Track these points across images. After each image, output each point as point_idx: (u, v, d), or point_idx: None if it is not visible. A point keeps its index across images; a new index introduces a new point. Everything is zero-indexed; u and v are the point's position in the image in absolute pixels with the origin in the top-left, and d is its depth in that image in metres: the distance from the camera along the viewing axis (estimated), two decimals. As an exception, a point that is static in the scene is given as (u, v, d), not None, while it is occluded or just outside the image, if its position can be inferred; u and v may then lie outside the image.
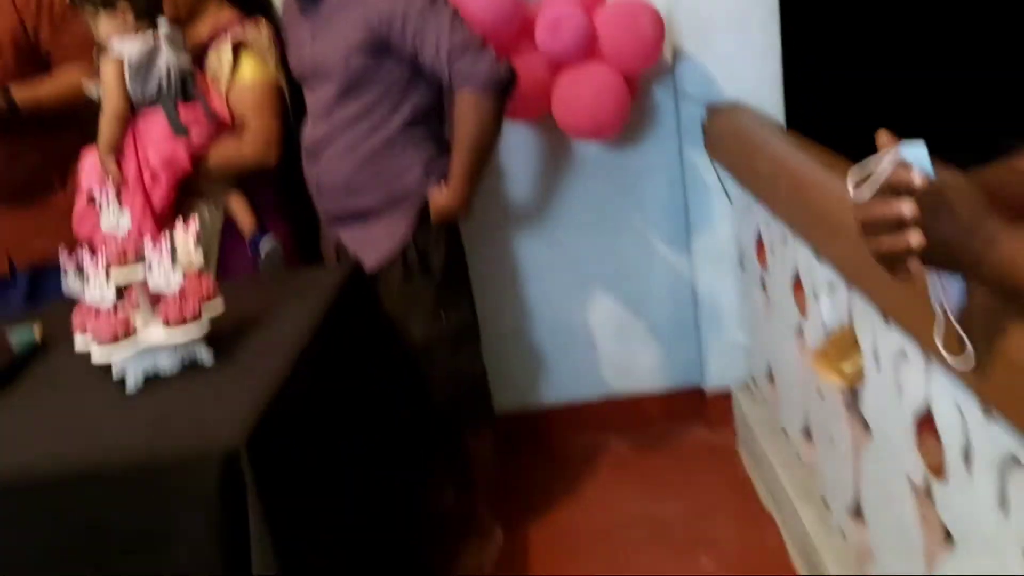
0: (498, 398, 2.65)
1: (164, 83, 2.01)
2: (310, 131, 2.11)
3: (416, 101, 2.05)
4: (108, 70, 1.99)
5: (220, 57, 2.09)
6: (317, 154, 2.10)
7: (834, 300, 1.66)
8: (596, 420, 2.79)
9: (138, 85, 1.99)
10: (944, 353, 0.97)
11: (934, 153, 0.89)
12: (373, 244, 2.10)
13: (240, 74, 2.11)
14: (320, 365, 1.62)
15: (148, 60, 1.98)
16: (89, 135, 2.09)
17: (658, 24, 2.32)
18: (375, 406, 1.86)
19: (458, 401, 2.20)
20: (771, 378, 2.35)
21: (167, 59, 2.00)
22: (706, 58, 2.47)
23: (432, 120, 2.11)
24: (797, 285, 1.95)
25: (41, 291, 2.22)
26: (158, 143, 2.03)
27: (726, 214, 2.55)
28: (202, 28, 2.13)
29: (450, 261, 2.14)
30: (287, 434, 1.43)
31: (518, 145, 2.56)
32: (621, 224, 2.67)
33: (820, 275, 1.75)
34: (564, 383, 2.79)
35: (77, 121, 2.14)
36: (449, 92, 2.07)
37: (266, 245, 2.12)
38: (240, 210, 2.14)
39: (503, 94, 2.02)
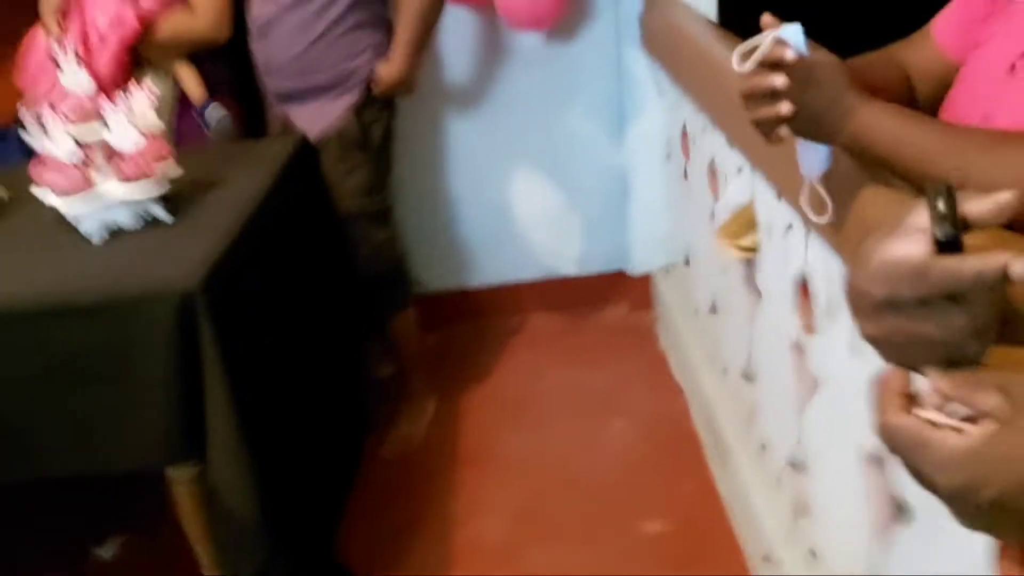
0: (431, 278, 2.81)
1: None
2: (257, 9, 2.17)
3: None
4: None
5: None
6: (266, 33, 2.16)
7: (739, 182, 1.84)
8: (526, 301, 2.99)
9: None
10: (808, 211, 1.15)
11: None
12: (318, 117, 2.19)
13: None
14: (268, 226, 1.75)
15: None
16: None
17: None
18: (315, 271, 2.01)
19: (381, 278, 2.36)
20: (687, 262, 2.55)
21: None
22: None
23: (379, 2, 2.19)
24: (712, 173, 2.12)
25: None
26: (105, 4, 2.07)
27: (657, 107, 2.70)
28: None
29: (386, 140, 2.26)
30: (239, 281, 1.58)
31: (458, 28, 2.64)
32: (557, 113, 2.80)
33: (731, 161, 1.92)
34: (496, 265, 2.97)
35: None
36: None
37: (215, 114, 2.19)
38: (189, 81, 2.21)
39: None
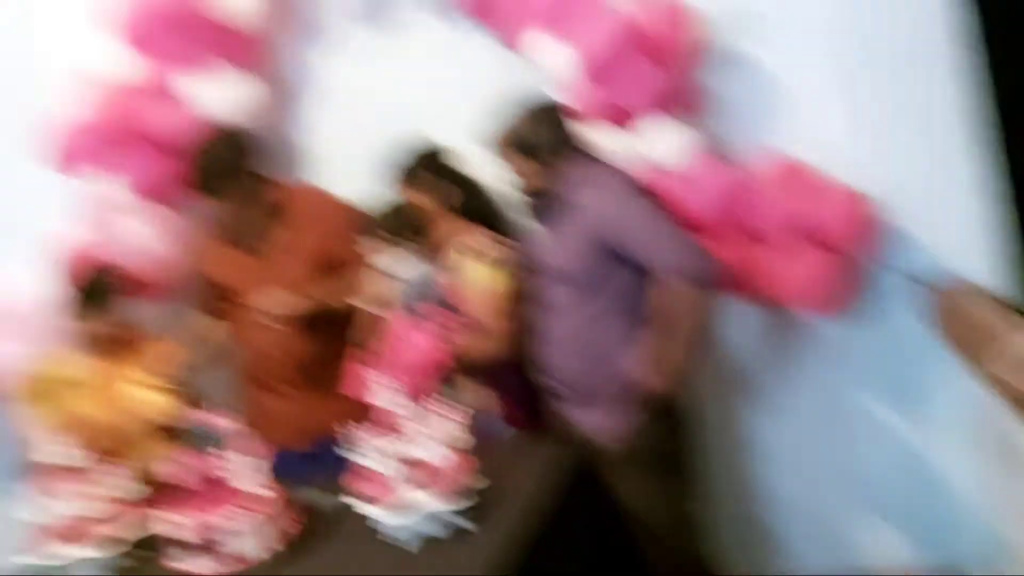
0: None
1: (428, 292, 2.42)
2: (539, 318, 2.40)
3: (635, 289, 2.28)
4: (382, 283, 2.44)
5: (456, 261, 2.47)
6: (544, 339, 2.39)
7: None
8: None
9: (410, 296, 2.42)
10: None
11: None
12: (596, 424, 2.32)
13: (473, 277, 2.44)
14: (557, 532, 1.88)
15: (419, 282, 2.42)
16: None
17: (876, 210, 2.48)
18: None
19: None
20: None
21: (424, 273, 2.43)
22: (930, 236, 2.55)
23: (639, 302, 2.28)
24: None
25: (333, 460, 2.65)
26: (421, 347, 2.36)
27: (961, 395, 2.54)
28: (438, 235, 2.53)
29: (672, 441, 2.33)
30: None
31: (745, 320, 2.71)
32: (854, 400, 2.72)
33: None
34: (793, 559, 2.81)
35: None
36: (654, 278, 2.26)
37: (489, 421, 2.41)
38: (476, 392, 2.46)
39: (706, 282, 2.22)
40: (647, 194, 2.30)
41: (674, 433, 2.34)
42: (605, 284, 2.31)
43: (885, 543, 2.75)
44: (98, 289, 2.54)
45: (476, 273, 2.45)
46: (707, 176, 2.49)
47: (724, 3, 2.61)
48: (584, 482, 2.15)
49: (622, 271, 2.29)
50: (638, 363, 2.28)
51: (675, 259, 2.20)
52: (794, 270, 2.48)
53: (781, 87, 2.64)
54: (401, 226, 2.47)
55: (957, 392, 2.55)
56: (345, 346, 2.63)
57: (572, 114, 2.50)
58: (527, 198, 2.39)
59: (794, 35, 2.59)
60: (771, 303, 2.58)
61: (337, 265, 2.70)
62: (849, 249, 2.50)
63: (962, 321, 2.34)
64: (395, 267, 2.42)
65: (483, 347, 2.44)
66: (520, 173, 2.35)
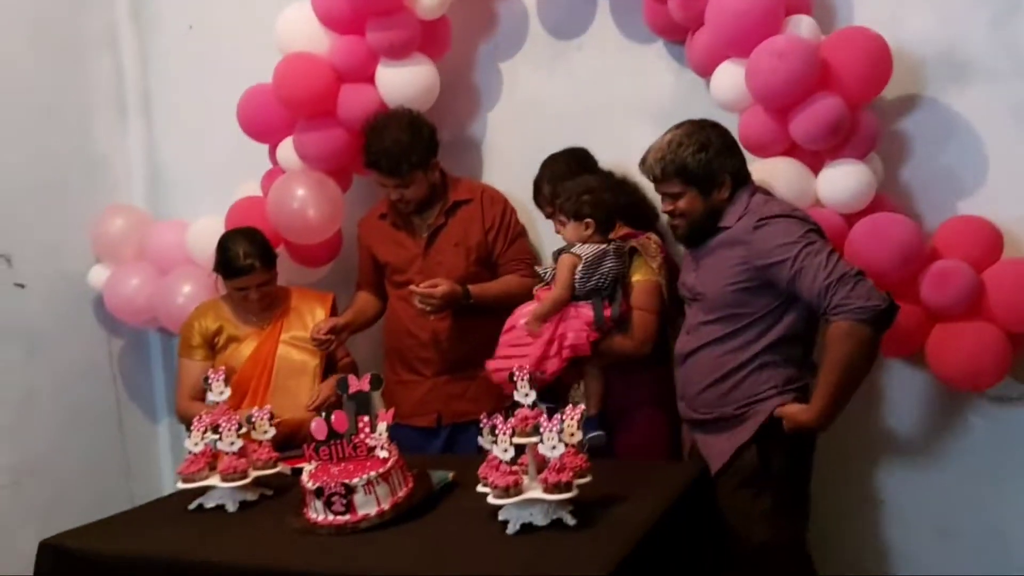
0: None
1: (602, 283, 2.45)
2: (681, 340, 2.41)
3: (784, 327, 2.23)
4: (565, 262, 2.47)
5: (625, 257, 2.52)
6: (683, 362, 2.38)
7: None
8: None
9: (584, 280, 2.45)
10: None
11: None
12: (720, 451, 2.28)
13: (631, 274, 2.52)
14: (659, 546, 1.85)
15: (597, 262, 2.45)
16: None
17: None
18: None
19: None
20: None
21: (610, 266, 2.46)
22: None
23: (797, 344, 2.27)
24: None
25: (456, 443, 2.76)
26: (577, 329, 2.44)
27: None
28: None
29: (794, 472, 2.25)
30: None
31: (901, 380, 2.62)
32: (993, 478, 2.56)
33: None
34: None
35: (508, 316, 2.67)
36: (824, 319, 2.19)
37: (594, 438, 2.39)
38: (594, 393, 2.50)
39: (879, 325, 2.11)
40: (816, 233, 2.21)
41: (795, 458, 2.26)
42: (753, 317, 2.25)
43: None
44: (257, 244, 2.71)
45: (640, 271, 2.51)
46: (885, 227, 2.38)
47: (938, 46, 2.52)
48: (696, 504, 2.10)
49: (775, 306, 2.23)
50: (779, 397, 2.23)
51: (845, 298, 2.08)
52: (959, 341, 2.36)
53: (981, 147, 2.53)
54: (606, 225, 2.50)
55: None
56: (490, 338, 2.73)
57: (746, 145, 2.49)
58: (678, 222, 2.34)
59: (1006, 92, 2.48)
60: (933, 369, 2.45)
61: (499, 263, 2.82)
62: (1018, 328, 2.34)
63: None
64: (591, 255, 2.44)
65: (629, 344, 2.47)
66: (679, 199, 2.30)
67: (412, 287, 2.66)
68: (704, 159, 2.26)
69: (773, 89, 2.37)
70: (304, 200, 2.87)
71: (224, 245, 2.72)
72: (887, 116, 2.58)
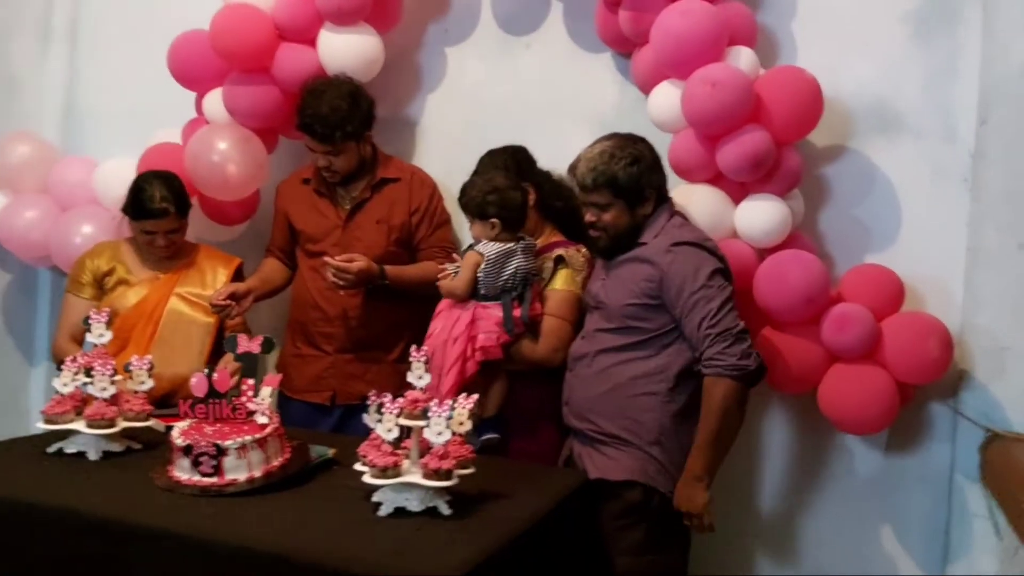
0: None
1: (510, 283, 2.41)
2: (575, 344, 2.38)
3: (678, 352, 2.22)
4: (468, 260, 2.43)
5: (543, 265, 2.51)
6: (573, 367, 2.36)
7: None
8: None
9: (490, 279, 2.41)
10: None
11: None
12: (604, 466, 2.23)
13: (553, 282, 2.49)
14: (531, 547, 1.82)
15: (502, 261, 2.41)
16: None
17: (946, 347, 2.36)
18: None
19: None
20: None
21: (517, 264, 2.42)
22: (995, 383, 2.43)
23: (689, 380, 2.23)
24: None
25: (348, 425, 2.66)
26: (487, 331, 2.39)
27: (991, 550, 2.40)
28: (528, 226, 2.56)
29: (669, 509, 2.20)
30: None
31: (783, 420, 2.65)
32: (873, 532, 2.60)
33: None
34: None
35: (422, 301, 2.62)
36: (698, 366, 2.19)
37: (489, 439, 2.38)
38: (496, 394, 2.45)
39: (747, 385, 2.15)
40: (722, 274, 2.21)
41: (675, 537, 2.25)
42: (649, 335, 2.24)
43: None
44: (173, 190, 2.60)
45: (561, 281, 2.48)
46: (792, 265, 2.41)
47: (872, 99, 2.58)
48: (575, 513, 2.08)
49: (670, 327, 2.23)
50: (663, 425, 2.21)
51: (719, 353, 2.12)
52: (847, 384, 2.39)
53: (897, 202, 2.59)
54: (513, 224, 2.46)
55: (988, 550, 2.40)
56: (402, 324, 2.68)
57: (675, 167, 2.50)
58: (599, 234, 2.32)
59: (934, 154, 2.54)
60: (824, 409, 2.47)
61: (419, 247, 2.77)
62: (909, 379, 2.39)
63: (1009, 466, 2.22)
64: (495, 254, 2.40)
65: (540, 349, 2.43)
66: (605, 211, 2.28)
67: (327, 259, 2.58)
68: (635, 173, 2.26)
69: (705, 116, 2.38)
70: (225, 155, 2.77)
71: (139, 185, 2.61)
72: (814, 159, 2.62)
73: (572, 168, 2.34)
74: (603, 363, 2.29)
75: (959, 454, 2.49)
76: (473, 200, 2.43)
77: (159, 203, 2.56)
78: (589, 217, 2.33)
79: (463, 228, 2.90)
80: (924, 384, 2.44)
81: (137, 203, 2.58)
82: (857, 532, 2.61)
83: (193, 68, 2.84)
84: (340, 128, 2.61)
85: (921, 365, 2.37)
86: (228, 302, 2.59)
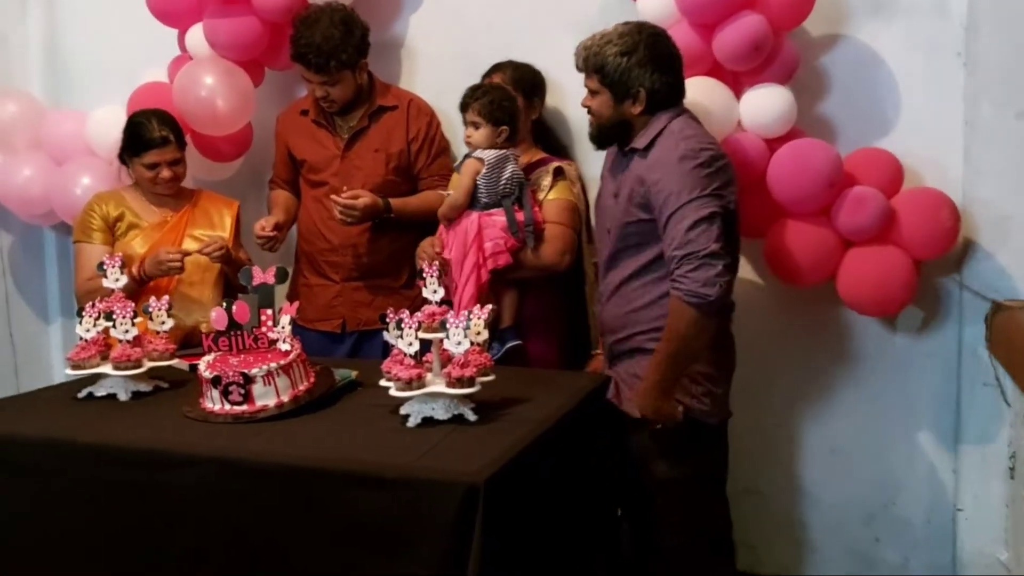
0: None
1: (508, 188, 2.45)
2: (601, 276, 2.37)
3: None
4: (468, 167, 2.45)
5: (542, 178, 2.55)
6: (601, 296, 2.36)
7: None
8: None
9: (490, 185, 2.44)
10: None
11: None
12: (634, 382, 2.22)
13: (552, 193, 2.53)
14: (556, 444, 1.88)
15: (500, 166, 2.44)
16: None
17: (956, 217, 2.39)
18: (582, 503, 2.05)
19: (691, 545, 2.24)
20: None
21: (512, 169, 2.46)
22: (999, 253, 2.47)
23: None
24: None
25: (361, 351, 2.72)
26: (494, 238, 2.43)
27: (1001, 416, 2.46)
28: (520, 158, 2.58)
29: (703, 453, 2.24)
30: (518, 487, 1.69)
31: (795, 308, 2.68)
32: (886, 407, 2.66)
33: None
34: (806, 557, 2.77)
35: (425, 231, 2.64)
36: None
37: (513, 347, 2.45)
38: (509, 305, 2.49)
39: (706, 311, 2.05)
40: (713, 187, 2.08)
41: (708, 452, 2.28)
42: (648, 242, 2.18)
43: (898, 564, 2.68)
44: (168, 122, 2.60)
45: (558, 190, 2.52)
46: (808, 152, 2.40)
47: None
48: (599, 413, 2.14)
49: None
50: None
51: (683, 275, 2.04)
52: (870, 266, 2.41)
53: (895, 82, 2.57)
54: (506, 111, 2.46)
55: (998, 416, 2.46)
56: (408, 252, 2.70)
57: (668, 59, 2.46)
58: (591, 119, 2.26)
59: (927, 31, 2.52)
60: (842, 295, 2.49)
61: (420, 176, 2.77)
62: (922, 254, 2.42)
63: (1015, 333, 2.26)
64: (494, 159, 2.43)
65: (545, 254, 2.47)
66: (592, 94, 2.22)
67: (334, 197, 2.60)
68: (623, 65, 2.14)
69: (699, 3, 2.36)
70: (213, 89, 2.75)
71: (135, 121, 2.62)
72: (807, 50, 2.59)
73: (577, 49, 2.27)
74: (628, 289, 2.25)
75: (965, 327, 2.54)
76: (493, 103, 2.44)
77: (158, 131, 2.58)
78: (584, 101, 2.28)
79: (461, 152, 2.90)
80: (931, 259, 2.46)
81: (136, 137, 2.59)
82: (871, 409, 2.66)
83: (171, 3, 2.81)
84: (334, 56, 2.59)
85: (934, 237, 2.39)
86: (275, 233, 2.65)
